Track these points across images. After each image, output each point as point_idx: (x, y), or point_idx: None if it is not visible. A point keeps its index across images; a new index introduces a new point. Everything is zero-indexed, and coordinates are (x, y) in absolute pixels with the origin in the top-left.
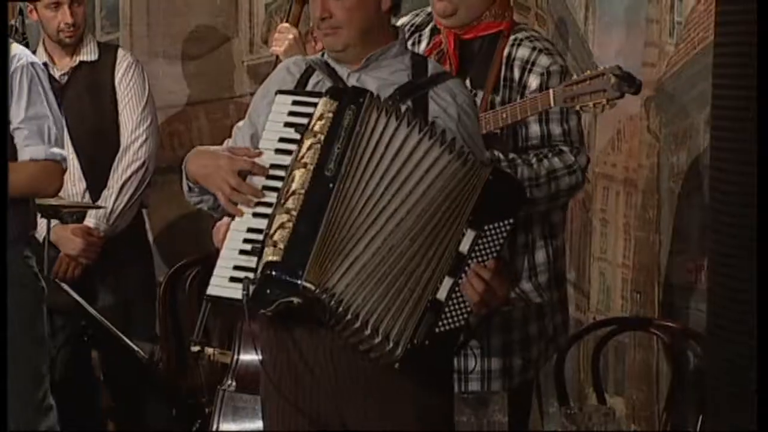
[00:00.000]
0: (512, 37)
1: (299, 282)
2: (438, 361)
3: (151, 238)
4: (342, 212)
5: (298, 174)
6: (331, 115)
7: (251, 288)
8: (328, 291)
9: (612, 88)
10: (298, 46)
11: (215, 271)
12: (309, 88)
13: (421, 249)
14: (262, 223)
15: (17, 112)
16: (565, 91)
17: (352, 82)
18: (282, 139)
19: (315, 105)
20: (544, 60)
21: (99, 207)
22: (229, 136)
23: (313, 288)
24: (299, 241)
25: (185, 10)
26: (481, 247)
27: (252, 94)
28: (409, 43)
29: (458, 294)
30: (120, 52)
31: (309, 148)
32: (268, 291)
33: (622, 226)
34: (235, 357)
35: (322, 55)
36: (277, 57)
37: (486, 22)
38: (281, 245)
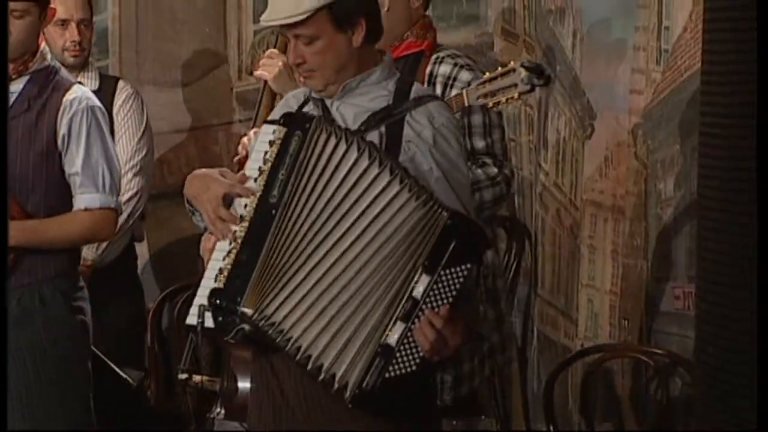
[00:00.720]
0: (434, 56)
1: (238, 308)
2: (395, 401)
3: (140, 267)
4: (284, 239)
5: (249, 202)
6: (280, 141)
7: (206, 315)
8: (266, 318)
9: (522, 81)
10: (287, 73)
11: (195, 300)
12: None
13: (372, 289)
14: (238, 228)
15: (74, 159)
16: (477, 90)
17: (333, 110)
18: (260, 167)
19: None
20: (465, 75)
21: None
22: (219, 163)
23: (249, 314)
24: (241, 268)
25: (174, 37)
26: (436, 292)
27: (241, 121)
28: None
29: (410, 339)
30: (121, 83)
31: (260, 175)
32: (219, 318)
33: (610, 252)
34: (224, 384)
35: None
36: (266, 82)
37: (408, 42)
38: (226, 272)
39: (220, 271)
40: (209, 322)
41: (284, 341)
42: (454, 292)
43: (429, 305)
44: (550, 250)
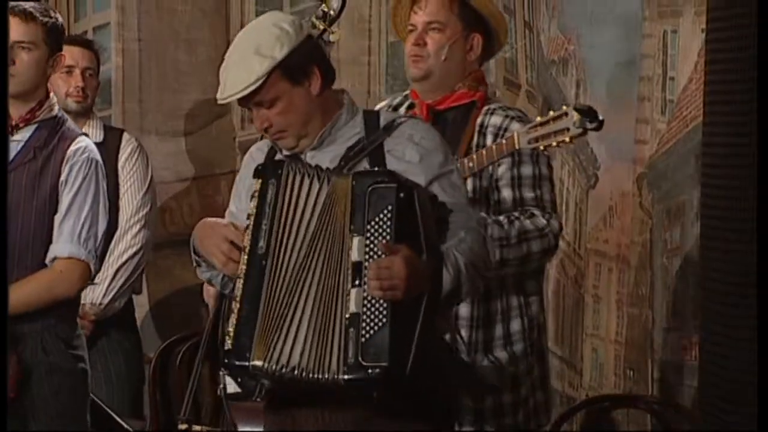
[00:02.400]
0: (485, 108)
1: (248, 364)
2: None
3: (140, 317)
4: (278, 285)
5: (242, 259)
6: (257, 194)
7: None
8: (276, 362)
9: (574, 125)
10: None
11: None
12: None
13: (322, 279)
14: (237, 287)
15: (61, 206)
16: (529, 133)
17: (309, 159)
18: (251, 197)
19: None
20: (516, 125)
21: (93, 283)
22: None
23: (261, 365)
24: (244, 325)
25: (177, 87)
26: (372, 245)
27: None
28: None
29: (369, 298)
30: (125, 136)
31: (246, 230)
32: (238, 380)
33: (615, 302)
34: None
35: None
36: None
37: (459, 92)
38: (231, 332)
39: (228, 334)
40: (232, 388)
41: (292, 372)
42: (386, 236)
43: (371, 260)
44: (554, 300)
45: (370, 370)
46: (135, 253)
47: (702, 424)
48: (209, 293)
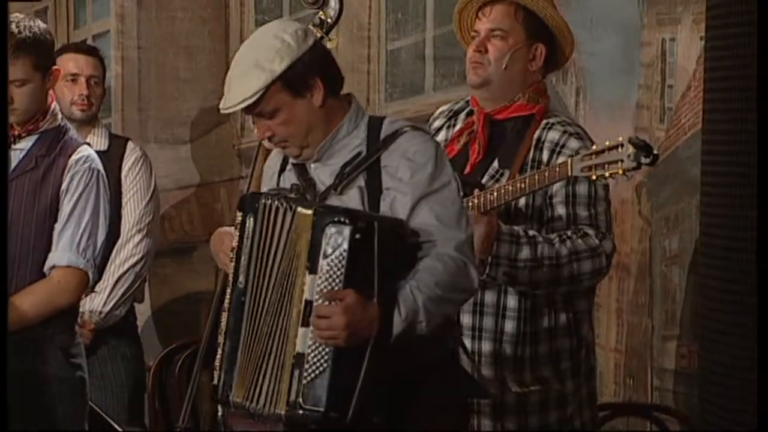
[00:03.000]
0: (544, 121)
1: (230, 400)
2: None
3: (141, 324)
4: (255, 322)
5: (227, 291)
6: (238, 227)
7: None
8: (256, 402)
9: (629, 158)
10: None
11: None
12: (281, 181)
13: (260, 304)
14: (222, 319)
15: (61, 215)
16: (583, 161)
17: (312, 172)
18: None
19: None
20: (573, 143)
21: (93, 291)
22: (221, 221)
23: (241, 403)
24: (226, 361)
25: (177, 95)
26: (323, 287)
27: (243, 178)
28: (445, 126)
29: (315, 340)
30: (130, 145)
31: (230, 263)
32: (222, 407)
33: (615, 310)
34: None
35: None
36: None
37: (519, 103)
38: (217, 366)
39: (215, 368)
40: None
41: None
42: (338, 279)
43: (321, 300)
44: None
45: (307, 413)
46: (136, 263)
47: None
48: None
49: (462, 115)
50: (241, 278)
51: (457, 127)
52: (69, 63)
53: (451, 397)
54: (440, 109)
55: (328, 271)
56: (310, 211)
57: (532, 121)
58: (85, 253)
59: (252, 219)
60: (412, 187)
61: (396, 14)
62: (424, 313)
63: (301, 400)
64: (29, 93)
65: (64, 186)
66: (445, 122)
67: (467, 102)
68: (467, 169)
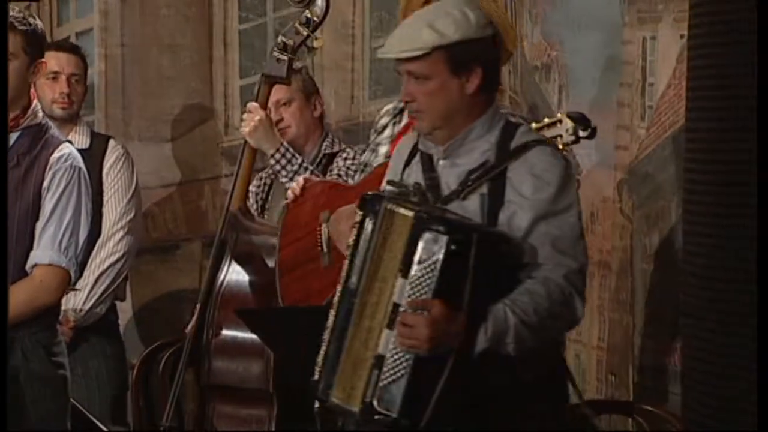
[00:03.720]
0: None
1: (327, 400)
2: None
3: (123, 323)
4: (363, 324)
5: (337, 288)
6: (357, 225)
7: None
8: (355, 403)
9: (567, 132)
10: (263, 128)
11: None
12: (406, 173)
13: (366, 308)
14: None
15: (42, 214)
16: None
17: (439, 169)
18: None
19: None
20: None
21: (75, 289)
22: (205, 218)
23: (339, 403)
24: (328, 360)
25: (160, 93)
26: (412, 293)
27: (227, 176)
28: (391, 123)
29: (397, 344)
30: (112, 143)
31: (345, 260)
32: (319, 404)
33: (597, 308)
34: None
35: None
36: (245, 140)
37: None
38: (319, 363)
39: (317, 363)
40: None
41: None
42: (431, 286)
43: (408, 307)
44: None
45: (379, 416)
46: (117, 260)
47: (685, 429)
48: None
49: (406, 113)
50: (354, 279)
51: (403, 123)
52: (50, 61)
53: (548, 417)
54: (386, 108)
55: (419, 278)
56: (410, 214)
57: None
58: (67, 251)
59: (372, 221)
60: (533, 204)
61: (380, 12)
62: (514, 335)
63: (375, 401)
64: (14, 71)
65: (45, 184)
66: (391, 119)
67: None
68: None
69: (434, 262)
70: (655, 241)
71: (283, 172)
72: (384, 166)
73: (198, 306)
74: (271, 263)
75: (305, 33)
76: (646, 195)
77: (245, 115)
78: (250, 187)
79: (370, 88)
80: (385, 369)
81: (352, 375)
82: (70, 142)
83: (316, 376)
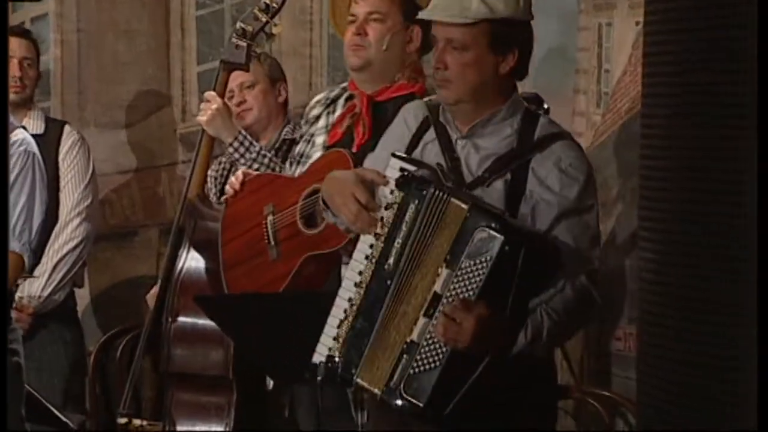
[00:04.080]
0: (426, 99)
1: (353, 380)
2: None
3: (81, 310)
4: (397, 310)
5: (367, 265)
6: (396, 206)
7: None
8: (379, 386)
9: None
10: (221, 117)
11: (321, 338)
12: (419, 148)
13: (404, 292)
14: (354, 293)
15: None
16: None
17: (459, 149)
18: (388, 205)
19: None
20: None
21: (32, 276)
22: (162, 205)
23: (365, 385)
24: (355, 338)
25: (117, 79)
26: (457, 285)
27: (184, 162)
28: (324, 113)
29: (433, 334)
30: (67, 128)
31: (377, 238)
32: (334, 378)
33: None
34: (165, 428)
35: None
36: (203, 127)
37: (399, 84)
38: (341, 339)
39: (336, 337)
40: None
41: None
42: (477, 284)
43: (451, 299)
44: None
45: (404, 402)
46: (75, 246)
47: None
48: (150, 295)
49: (341, 101)
50: (390, 261)
51: (338, 113)
52: None
53: (538, 397)
54: (316, 98)
55: (467, 273)
56: (465, 206)
57: (413, 99)
58: (21, 236)
59: (415, 205)
60: (559, 199)
61: None
62: (547, 336)
63: (402, 387)
64: None
65: None
66: (324, 110)
67: (344, 89)
68: (354, 150)
69: (486, 260)
70: (610, 227)
71: (242, 161)
72: (330, 156)
73: (156, 293)
74: None
75: (264, 19)
76: (600, 182)
77: (202, 104)
78: (210, 172)
79: (328, 74)
80: (418, 357)
81: (380, 357)
82: (23, 127)
83: (334, 352)
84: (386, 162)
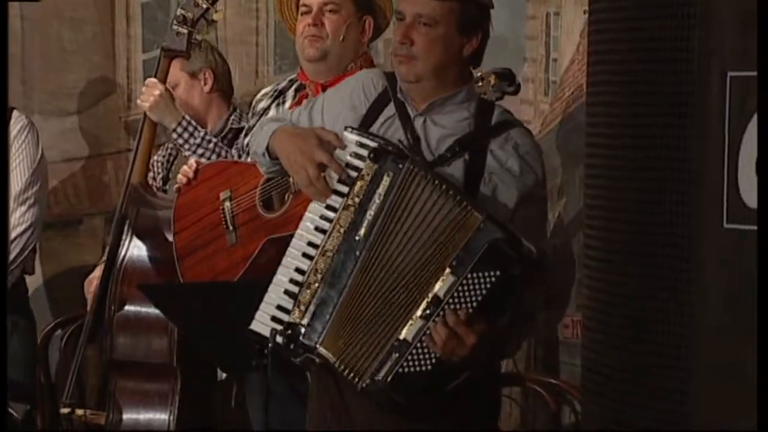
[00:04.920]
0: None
1: (315, 348)
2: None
3: (31, 300)
4: (364, 282)
5: (334, 234)
6: (369, 178)
7: (278, 337)
8: (344, 361)
9: (492, 89)
10: (164, 102)
11: (261, 306)
12: (378, 123)
13: (401, 287)
14: (306, 265)
15: None
16: None
17: (417, 125)
18: (340, 180)
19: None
20: None
21: None
22: (107, 193)
23: (326, 355)
24: (320, 307)
25: (61, 66)
26: (460, 294)
27: (130, 150)
28: (274, 105)
29: (428, 338)
30: (15, 113)
31: (345, 209)
32: (291, 347)
33: None
34: (110, 416)
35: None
36: (146, 112)
37: (351, 72)
38: (303, 307)
39: (297, 301)
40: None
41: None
42: (479, 297)
43: (452, 306)
44: None
45: (385, 397)
46: (23, 231)
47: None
48: (90, 289)
49: (290, 92)
50: (361, 232)
51: (288, 104)
52: None
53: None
54: (262, 92)
55: (473, 283)
56: (480, 216)
57: None
58: None
59: (390, 178)
60: (519, 185)
61: None
62: (521, 338)
63: (389, 383)
64: None
65: None
66: (272, 102)
67: (291, 80)
68: None
69: (493, 275)
70: (556, 215)
71: (186, 146)
72: None
73: (95, 279)
74: (171, 237)
75: (205, 6)
76: (550, 169)
77: (144, 89)
78: (155, 157)
79: (275, 62)
80: (409, 357)
81: (352, 334)
82: None
83: (296, 318)
84: (333, 115)
